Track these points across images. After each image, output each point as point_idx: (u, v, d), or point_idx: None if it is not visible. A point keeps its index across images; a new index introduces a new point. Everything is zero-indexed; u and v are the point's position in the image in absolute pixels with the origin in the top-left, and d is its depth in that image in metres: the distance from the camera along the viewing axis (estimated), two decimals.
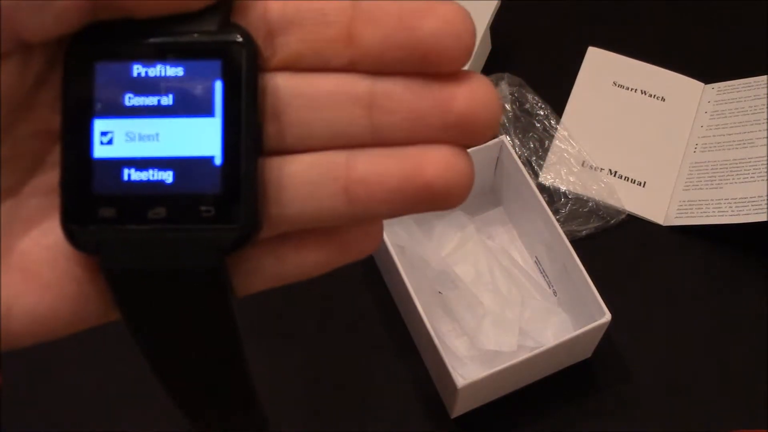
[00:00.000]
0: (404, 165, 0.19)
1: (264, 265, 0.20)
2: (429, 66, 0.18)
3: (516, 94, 0.60)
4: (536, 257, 0.54)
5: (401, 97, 0.19)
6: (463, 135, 0.18)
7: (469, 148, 0.19)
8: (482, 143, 0.19)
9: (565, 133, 0.60)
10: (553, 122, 0.60)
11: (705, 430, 0.50)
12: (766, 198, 0.53)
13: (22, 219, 0.19)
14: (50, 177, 0.19)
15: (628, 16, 0.66)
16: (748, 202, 0.54)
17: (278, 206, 0.19)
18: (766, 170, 0.55)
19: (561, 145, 0.59)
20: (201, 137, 0.18)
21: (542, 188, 0.57)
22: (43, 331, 0.19)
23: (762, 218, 0.53)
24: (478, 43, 0.56)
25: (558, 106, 0.61)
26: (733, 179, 0.56)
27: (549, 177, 0.58)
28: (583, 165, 0.59)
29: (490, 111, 0.18)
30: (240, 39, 0.18)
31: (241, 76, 0.18)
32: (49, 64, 0.19)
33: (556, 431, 0.50)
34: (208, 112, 0.18)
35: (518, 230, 0.55)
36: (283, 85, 0.19)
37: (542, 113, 0.60)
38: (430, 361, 0.50)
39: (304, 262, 0.20)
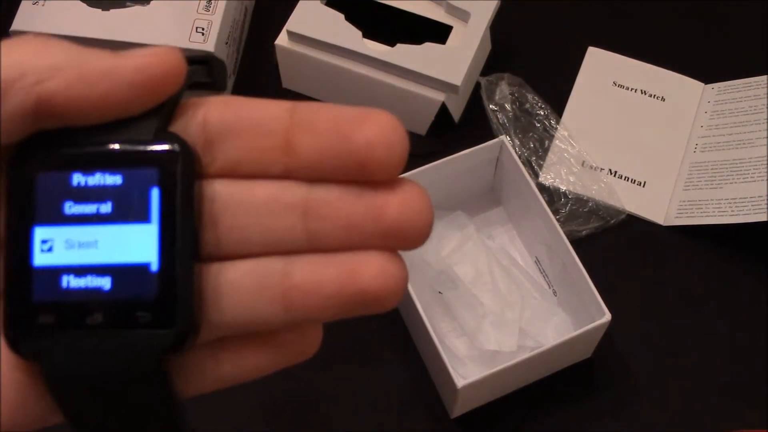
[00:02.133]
0: (340, 272, 0.19)
1: (204, 369, 0.21)
2: (364, 175, 0.19)
3: (516, 94, 0.60)
4: (536, 257, 0.54)
5: (336, 204, 0.19)
6: (395, 241, 0.19)
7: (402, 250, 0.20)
8: (415, 248, 0.20)
9: (565, 133, 0.60)
10: (553, 122, 0.60)
11: (705, 430, 0.50)
12: (766, 198, 0.53)
13: None
14: None
15: (628, 16, 0.66)
16: (748, 202, 0.54)
17: (216, 312, 0.20)
18: (766, 170, 0.55)
19: (561, 145, 0.59)
20: (138, 244, 0.19)
21: (542, 188, 0.57)
22: None
23: (762, 218, 0.53)
24: (478, 43, 0.56)
25: (558, 106, 0.61)
26: (733, 179, 0.56)
27: (549, 177, 0.58)
28: (583, 165, 0.59)
29: (421, 218, 0.19)
30: (176, 148, 0.19)
31: (176, 183, 0.19)
32: None
33: (556, 431, 0.50)
34: (145, 218, 0.19)
35: (518, 230, 0.55)
36: (221, 192, 0.20)
37: (542, 113, 0.60)
38: (430, 361, 0.50)
39: (243, 365, 0.21)
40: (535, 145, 0.59)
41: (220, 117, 0.20)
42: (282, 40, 0.57)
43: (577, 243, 0.53)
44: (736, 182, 0.56)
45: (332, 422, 0.51)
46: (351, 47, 0.56)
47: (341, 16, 0.57)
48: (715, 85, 0.62)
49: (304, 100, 0.66)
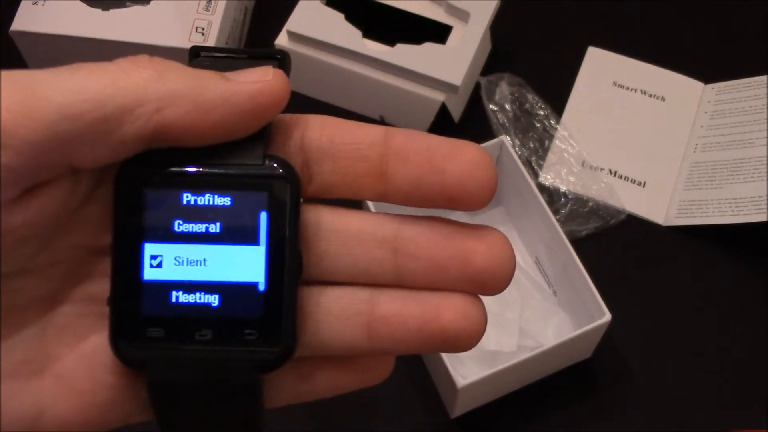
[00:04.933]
0: (424, 309, 0.20)
1: (286, 384, 0.21)
2: (453, 206, 0.20)
3: (516, 94, 0.60)
4: (536, 257, 0.54)
5: (425, 245, 0.20)
6: (479, 287, 0.20)
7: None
8: (494, 295, 0.20)
9: (565, 133, 0.60)
10: (553, 122, 0.60)
11: (705, 430, 0.50)
12: (766, 198, 0.53)
13: (57, 326, 0.20)
14: (87, 287, 0.20)
15: (628, 16, 0.66)
16: (748, 202, 0.54)
17: (305, 333, 0.20)
18: (766, 170, 0.55)
19: (561, 145, 0.59)
20: (246, 264, 0.20)
21: (542, 188, 0.57)
22: None
23: (762, 218, 0.53)
24: (478, 43, 0.56)
25: (558, 106, 0.61)
26: (733, 179, 0.56)
27: (549, 177, 0.58)
28: (583, 165, 0.59)
29: (505, 268, 0.20)
30: (284, 173, 0.19)
31: (285, 208, 0.19)
32: (96, 184, 0.20)
33: (555, 431, 0.50)
34: (254, 241, 0.20)
35: (518, 230, 0.55)
36: (317, 218, 0.20)
37: (542, 113, 0.60)
38: (430, 361, 0.50)
39: (320, 384, 0.22)
40: (535, 145, 0.59)
41: (317, 139, 0.20)
42: (282, 40, 0.57)
43: (577, 243, 0.53)
44: (736, 182, 0.56)
45: (332, 422, 0.51)
46: (351, 47, 0.56)
47: (341, 16, 0.57)
48: (715, 85, 0.62)
49: (304, 99, 0.65)
